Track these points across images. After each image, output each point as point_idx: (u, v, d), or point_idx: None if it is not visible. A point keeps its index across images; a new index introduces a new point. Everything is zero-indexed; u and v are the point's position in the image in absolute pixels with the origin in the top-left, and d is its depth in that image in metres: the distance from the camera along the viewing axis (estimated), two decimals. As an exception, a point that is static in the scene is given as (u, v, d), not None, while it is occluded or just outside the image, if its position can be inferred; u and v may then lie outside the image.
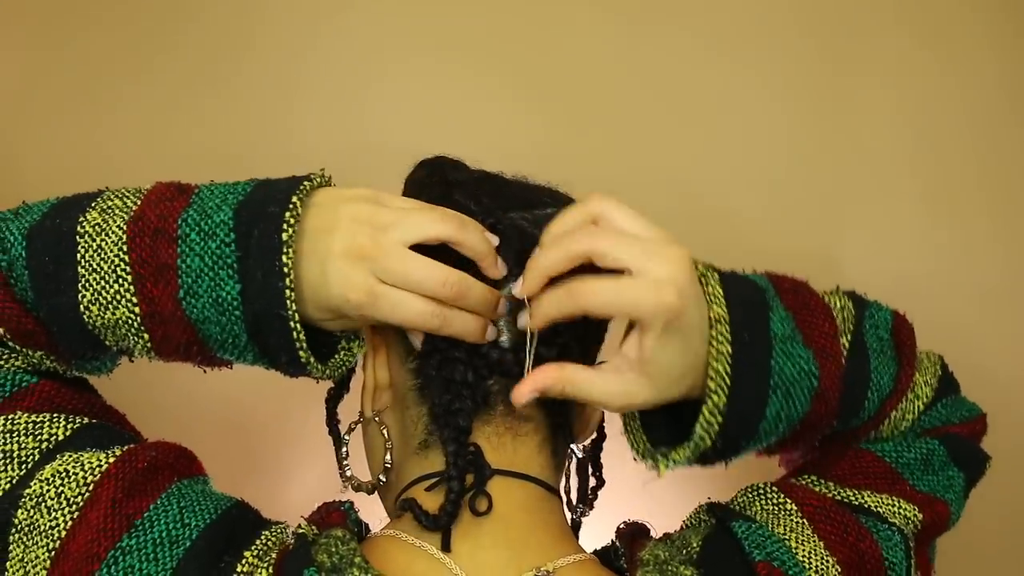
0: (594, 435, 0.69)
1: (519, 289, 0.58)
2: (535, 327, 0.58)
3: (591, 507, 0.69)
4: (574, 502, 0.68)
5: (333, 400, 0.69)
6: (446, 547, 0.57)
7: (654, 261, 0.54)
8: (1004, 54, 1.08)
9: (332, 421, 0.69)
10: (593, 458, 0.69)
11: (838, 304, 0.66)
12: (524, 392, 0.57)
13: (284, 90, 1.11)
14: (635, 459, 0.62)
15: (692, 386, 0.58)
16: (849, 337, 0.64)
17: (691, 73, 1.11)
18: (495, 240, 0.60)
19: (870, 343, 0.66)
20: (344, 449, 0.66)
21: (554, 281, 0.57)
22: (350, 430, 0.67)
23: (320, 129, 1.10)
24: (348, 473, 0.66)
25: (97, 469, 0.55)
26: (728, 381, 0.57)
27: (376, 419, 0.65)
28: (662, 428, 0.61)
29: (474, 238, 0.59)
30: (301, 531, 0.57)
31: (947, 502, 0.66)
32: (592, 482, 0.69)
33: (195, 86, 1.10)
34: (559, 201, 0.65)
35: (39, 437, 0.57)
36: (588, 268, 0.56)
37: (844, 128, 1.10)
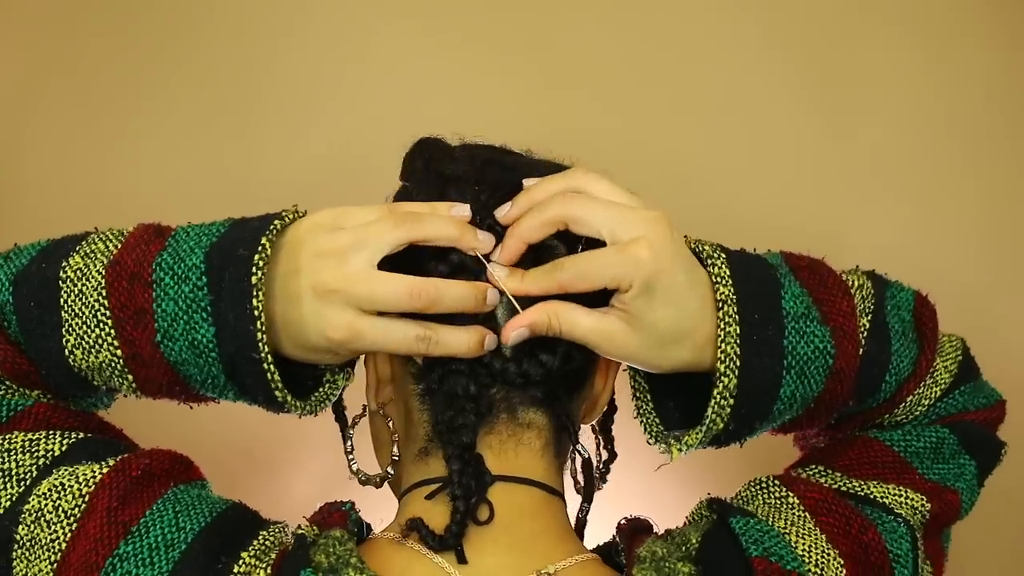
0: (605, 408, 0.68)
1: (499, 256, 0.58)
2: (516, 292, 0.58)
3: (604, 481, 0.68)
4: (580, 498, 0.67)
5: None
6: (462, 560, 0.57)
7: (624, 224, 0.55)
8: (999, 54, 1.09)
9: (338, 408, 0.68)
10: (604, 431, 0.68)
11: (856, 283, 0.65)
12: (514, 327, 0.57)
13: (285, 87, 1.12)
14: (648, 442, 0.62)
15: (695, 357, 0.58)
16: (869, 317, 0.63)
17: (693, 70, 1.11)
18: (465, 212, 0.59)
19: (892, 324, 0.64)
20: (349, 443, 0.66)
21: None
22: (354, 424, 0.66)
23: (322, 125, 1.11)
24: (355, 467, 0.65)
25: (92, 480, 0.55)
26: (738, 362, 0.57)
27: (380, 412, 0.64)
28: (674, 411, 0.62)
29: (437, 228, 0.57)
30: (301, 531, 0.57)
31: (957, 491, 0.65)
32: (604, 455, 0.68)
33: (195, 88, 1.11)
34: None
35: (36, 454, 0.57)
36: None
37: (846, 127, 1.10)
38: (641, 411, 0.62)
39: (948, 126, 1.09)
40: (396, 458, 0.63)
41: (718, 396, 0.57)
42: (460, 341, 0.58)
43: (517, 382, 0.60)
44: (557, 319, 0.57)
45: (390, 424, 0.63)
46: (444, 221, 0.58)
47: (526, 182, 0.60)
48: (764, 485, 0.64)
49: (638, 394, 0.63)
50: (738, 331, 0.57)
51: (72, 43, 1.12)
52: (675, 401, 0.62)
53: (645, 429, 0.62)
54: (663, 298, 0.56)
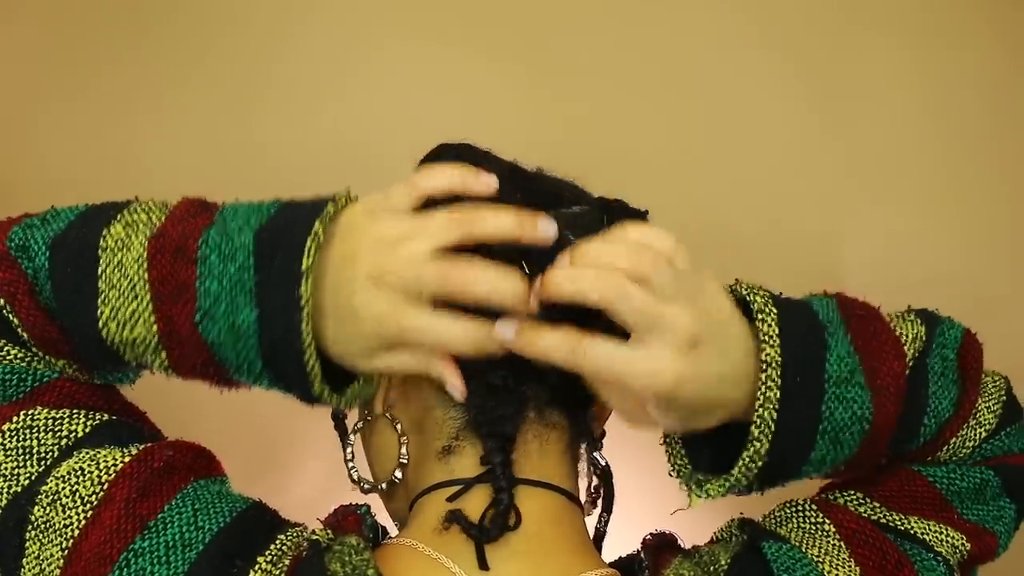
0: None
1: (531, 303, 0.54)
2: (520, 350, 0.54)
3: (595, 507, 0.67)
4: (598, 511, 0.66)
5: None
6: (483, 565, 0.56)
7: (655, 332, 0.51)
8: (994, 56, 1.10)
9: (338, 416, 0.66)
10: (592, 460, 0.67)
11: (910, 333, 0.62)
12: (535, 340, 0.53)
13: (289, 84, 1.12)
14: (669, 474, 0.60)
15: (727, 418, 0.56)
16: (911, 363, 0.61)
17: (694, 70, 1.12)
18: (493, 181, 0.56)
19: (932, 365, 0.62)
20: (350, 449, 0.64)
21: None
22: (354, 432, 0.65)
23: (323, 125, 1.11)
24: (356, 475, 0.64)
25: (112, 468, 0.54)
26: (773, 427, 0.55)
27: (387, 415, 0.63)
28: (704, 451, 0.59)
29: (495, 225, 0.54)
30: (315, 537, 0.56)
31: (996, 534, 0.64)
32: (594, 481, 0.67)
33: (198, 88, 1.11)
34: (582, 198, 0.63)
35: (59, 433, 0.56)
36: None
37: (848, 126, 1.10)
38: (669, 443, 0.60)
39: (944, 128, 1.09)
40: (405, 461, 0.62)
41: (747, 459, 0.55)
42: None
43: (553, 380, 0.59)
44: (583, 358, 0.53)
45: (398, 427, 0.62)
46: (501, 216, 0.54)
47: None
48: (799, 508, 0.62)
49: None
50: (778, 396, 0.54)
51: (75, 41, 1.12)
52: (708, 443, 0.60)
53: (671, 463, 0.60)
54: (684, 404, 0.53)
